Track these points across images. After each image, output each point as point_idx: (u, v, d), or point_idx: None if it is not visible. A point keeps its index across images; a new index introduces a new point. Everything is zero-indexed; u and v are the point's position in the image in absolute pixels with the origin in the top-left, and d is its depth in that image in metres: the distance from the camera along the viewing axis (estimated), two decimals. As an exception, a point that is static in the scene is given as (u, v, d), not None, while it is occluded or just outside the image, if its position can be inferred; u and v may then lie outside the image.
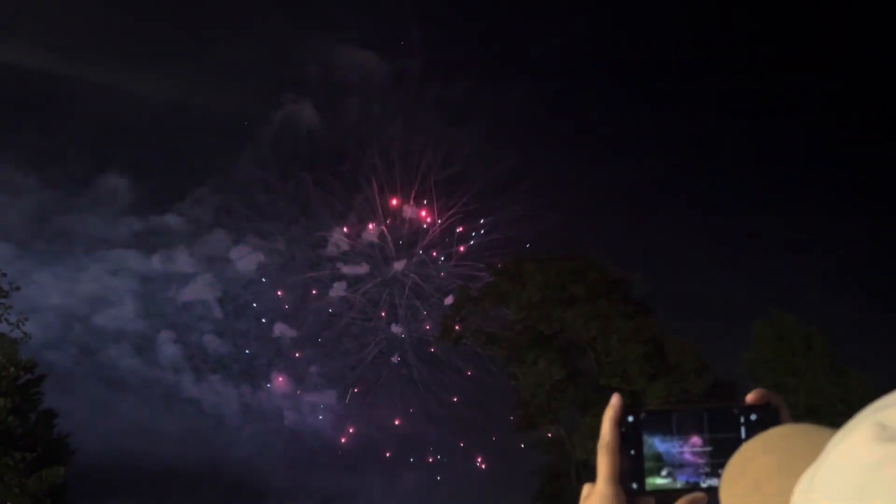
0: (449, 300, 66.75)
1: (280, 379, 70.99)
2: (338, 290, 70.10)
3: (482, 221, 68.62)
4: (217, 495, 70.18)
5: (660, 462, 1.05)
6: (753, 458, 0.87)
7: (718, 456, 1.03)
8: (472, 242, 68.88)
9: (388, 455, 70.32)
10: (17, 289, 28.57)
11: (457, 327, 47.12)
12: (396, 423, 70.31)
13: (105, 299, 68.80)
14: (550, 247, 59.86)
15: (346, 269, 70.12)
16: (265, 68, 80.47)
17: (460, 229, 69.01)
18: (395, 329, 70.53)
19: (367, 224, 70.20)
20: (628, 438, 1.07)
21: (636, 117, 77.41)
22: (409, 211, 69.62)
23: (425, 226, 69.70)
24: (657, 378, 38.45)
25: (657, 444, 1.06)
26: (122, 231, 70.37)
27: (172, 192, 75.59)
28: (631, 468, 1.07)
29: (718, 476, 0.98)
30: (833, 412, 33.14)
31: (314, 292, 70.29)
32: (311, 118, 71.13)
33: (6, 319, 28.09)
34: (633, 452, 1.06)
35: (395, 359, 70.10)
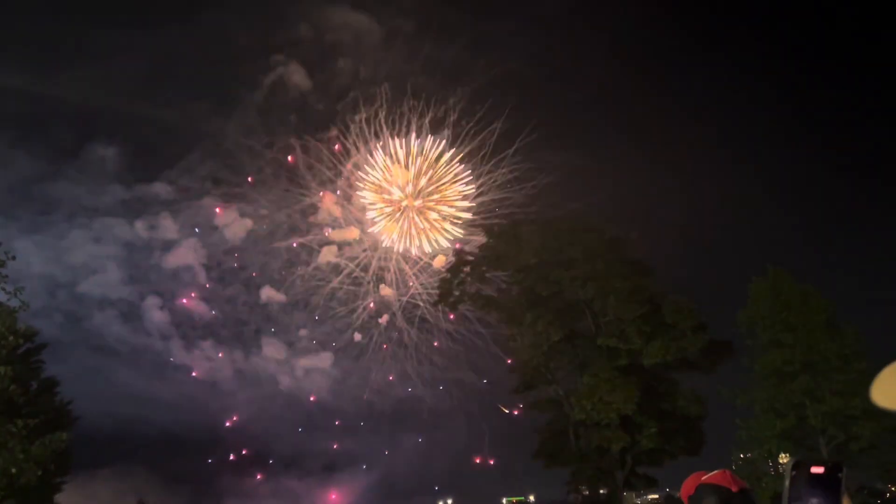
0: (437, 263, 66.94)
1: (271, 344, 71.23)
2: (327, 254, 70.01)
3: (473, 185, 68.34)
4: (220, 460, 70.90)
5: None
6: None
7: None
8: (464, 203, 68.63)
9: (385, 417, 71.02)
10: (13, 258, 28.44)
11: (455, 292, 47.27)
12: (391, 385, 70.84)
13: (89, 266, 68.60)
14: (541, 209, 59.69)
15: (335, 235, 69.96)
16: (254, 31, 79.20)
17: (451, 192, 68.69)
18: (385, 292, 70.57)
19: (355, 189, 69.91)
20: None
21: (627, 74, 76.79)
22: (397, 176, 69.20)
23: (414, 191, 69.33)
24: (654, 337, 38.68)
25: None
26: (108, 199, 69.91)
27: (161, 159, 75.19)
28: None
29: None
30: (829, 367, 33.43)
31: (303, 257, 70.24)
32: (301, 81, 70.30)
33: (3, 288, 28.01)
34: None
35: (383, 320, 70.20)
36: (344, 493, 70.25)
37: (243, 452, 71.01)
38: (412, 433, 71.66)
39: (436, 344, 69.59)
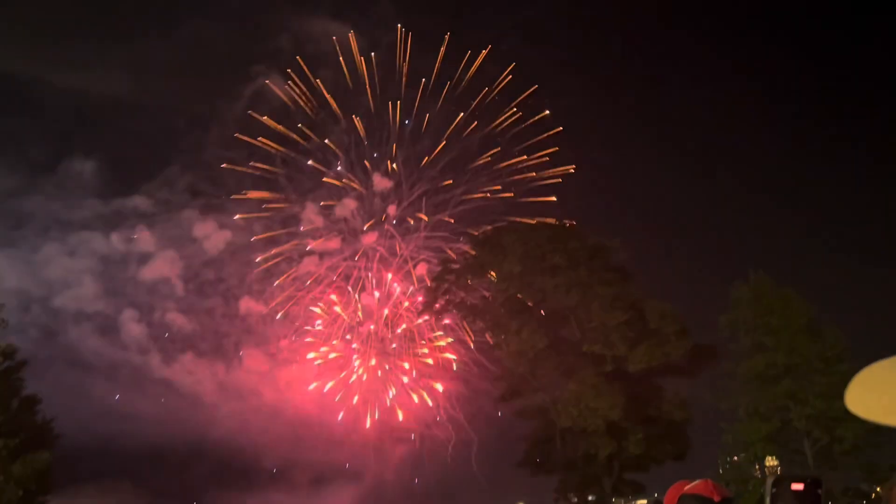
0: (419, 271, 66.91)
1: (252, 356, 70.50)
2: (308, 265, 69.61)
3: (453, 193, 68.42)
4: (206, 475, 70.11)
5: None
6: (884, 369, 0.91)
7: None
8: (443, 215, 68.68)
9: (371, 428, 70.59)
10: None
11: (440, 301, 47.23)
12: (376, 395, 70.44)
13: (63, 280, 67.72)
14: (522, 216, 59.84)
15: (316, 245, 69.66)
16: (234, 42, 78.82)
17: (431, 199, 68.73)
18: (366, 301, 70.21)
19: (336, 199, 69.73)
20: None
21: (601, 82, 77.41)
22: (379, 184, 69.19)
23: (395, 199, 69.35)
24: (639, 343, 38.86)
25: None
26: (85, 213, 69.12)
27: (139, 173, 74.57)
28: None
29: None
30: (812, 370, 33.71)
31: (282, 268, 69.81)
32: (281, 92, 70.14)
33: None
34: None
35: (370, 328, 69.87)
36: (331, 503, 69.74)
37: (230, 466, 70.35)
38: (398, 443, 71.20)
39: (417, 353, 69.37)
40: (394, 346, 69.57)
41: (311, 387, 70.34)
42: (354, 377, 70.45)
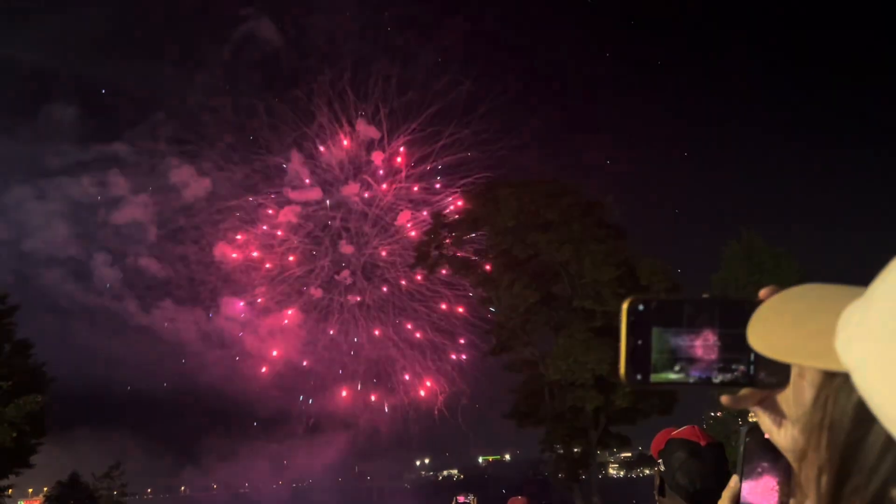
0: (400, 220, 66.75)
1: (230, 304, 70.34)
2: (287, 214, 69.12)
3: (437, 146, 67.86)
4: (203, 421, 70.91)
5: (671, 356, 0.96)
6: (788, 300, 0.85)
7: (730, 351, 0.95)
8: (427, 167, 68.25)
9: (357, 377, 71.22)
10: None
11: (433, 254, 47.29)
12: (360, 345, 70.87)
13: (31, 224, 67.01)
14: (507, 173, 59.54)
15: (296, 195, 69.06)
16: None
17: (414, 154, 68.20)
18: (345, 249, 69.94)
19: (319, 148, 68.99)
20: (636, 328, 0.97)
21: (597, 40, 76.43)
22: (362, 134, 68.45)
23: (378, 152, 68.75)
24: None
25: (669, 337, 0.96)
26: (58, 160, 68.18)
27: (119, 120, 73.54)
28: (636, 359, 0.98)
29: (731, 372, 0.94)
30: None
31: (261, 217, 69.28)
32: (269, 37, 68.68)
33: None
34: (639, 343, 0.97)
35: (341, 277, 69.75)
36: (323, 452, 70.87)
37: (225, 413, 71.12)
38: (386, 393, 71.98)
39: (398, 305, 69.40)
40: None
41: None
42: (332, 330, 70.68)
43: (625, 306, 0.98)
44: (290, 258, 69.62)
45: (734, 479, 1.46)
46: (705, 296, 1.01)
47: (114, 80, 73.21)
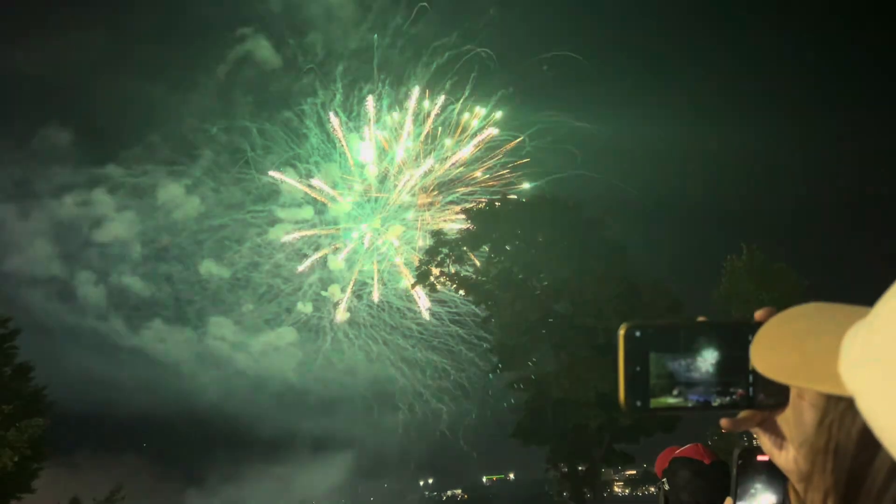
0: (392, 234, 66.63)
1: (218, 323, 69.91)
2: (277, 232, 69.06)
3: (432, 165, 68.04)
4: (205, 443, 70.25)
5: (670, 381, 0.98)
6: (791, 321, 0.85)
7: (728, 374, 0.97)
8: (420, 185, 68.36)
9: (357, 397, 70.70)
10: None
11: (434, 273, 47.23)
12: (357, 364, 70.46)
13: (14, 244, 66.79)
14: (501, 190, 59.76)
15: (285, 214, 69.01)
16: (221, 3, 77.28)
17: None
18: (336, 266, 69.56)
19: (312, 170, 69.08)
20: (633, 354, 1.00)
21: (598, 44, 76.74)
22: (361, 152, 68.61)
23: (374, 168, 68.85)
24: (631, 316, 38.99)
25: (666, 361, 0.98)
26: (49, 182, 68.18)
27: (112, 141, 73.65)
28: (635, 385, 1.01)
29: (730, 395, 0.95)
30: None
31: (249, 235, 69.18)
32: (267, 56, 68.97)
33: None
34: (637, 369, 0.99)
35: (333, 295, 69.29)
36: (327, 473, 70.24)
37: (225, 435, 70.55)
38: (388, 413, 71.49)
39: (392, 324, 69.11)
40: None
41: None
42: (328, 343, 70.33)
43: (621, 333, 1.00)
44: (279, 276, 69.61)
45: (728, 501, 1.48)
46: (701, 319, 1.03)
47: (104, 100, 73.38)
